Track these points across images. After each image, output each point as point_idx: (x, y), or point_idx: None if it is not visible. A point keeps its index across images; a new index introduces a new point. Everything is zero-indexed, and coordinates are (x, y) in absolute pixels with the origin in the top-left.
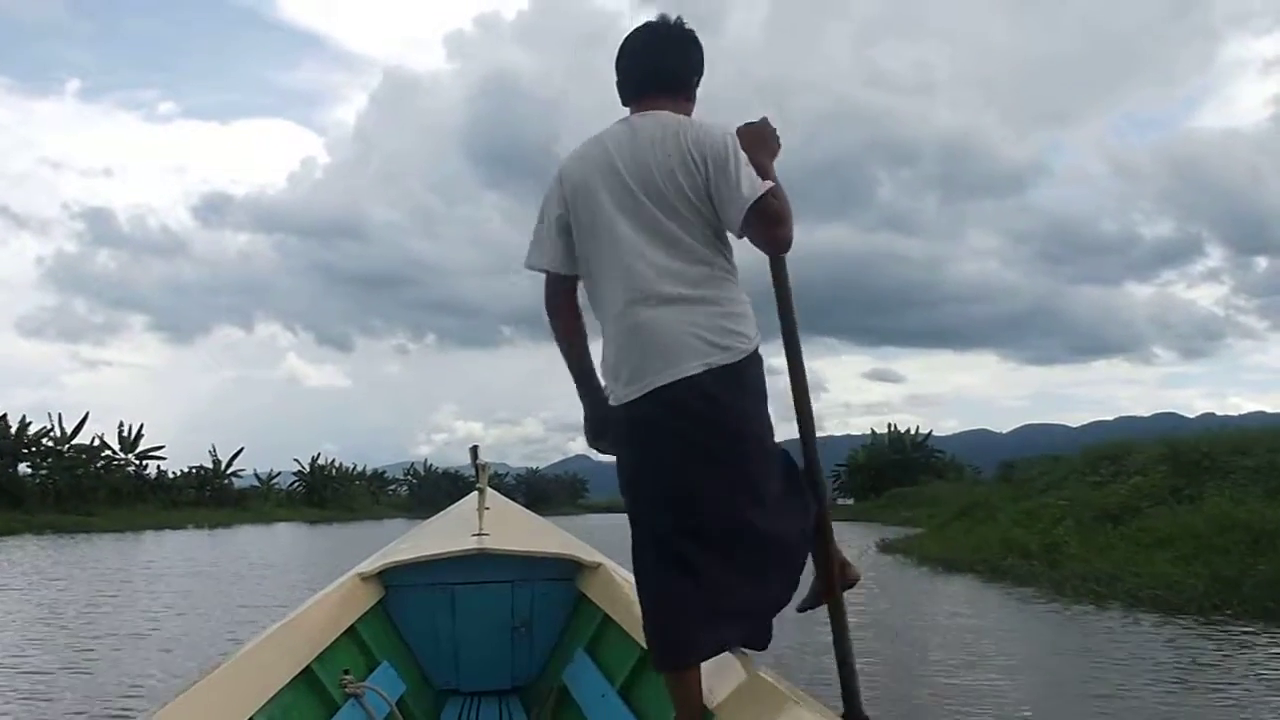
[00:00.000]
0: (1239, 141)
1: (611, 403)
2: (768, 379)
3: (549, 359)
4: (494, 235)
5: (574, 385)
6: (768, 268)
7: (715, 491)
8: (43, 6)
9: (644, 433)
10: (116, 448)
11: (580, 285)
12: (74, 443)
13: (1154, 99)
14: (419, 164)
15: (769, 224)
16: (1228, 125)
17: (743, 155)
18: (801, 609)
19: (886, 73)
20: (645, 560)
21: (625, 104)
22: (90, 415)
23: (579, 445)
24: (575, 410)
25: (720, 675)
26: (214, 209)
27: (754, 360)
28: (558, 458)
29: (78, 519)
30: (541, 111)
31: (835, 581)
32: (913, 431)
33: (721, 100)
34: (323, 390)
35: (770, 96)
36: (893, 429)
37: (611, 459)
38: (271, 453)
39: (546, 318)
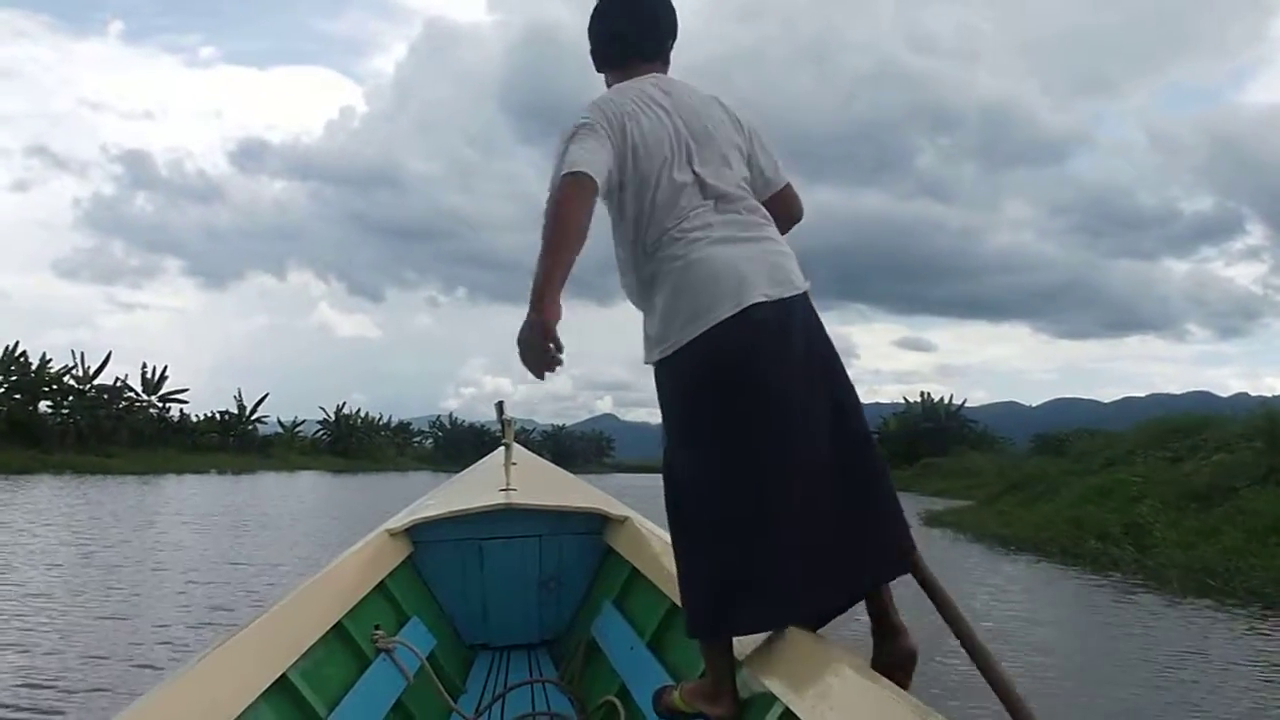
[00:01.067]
0: None
1: (660, 355)
2: None
3: (580, 317)
4: (528, 190)
5: (539, 279)
6: None
7: (791, 430)
8: None
9: (710, 369)
10: (139, 389)
11: (621, 244)
12: (96, 383)
13: (1202, 71)
14: (457, 116)
15: (794, 206)
16: (1275, 101)
17: None
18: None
19: (930, 35)
20: (688, 528)
21: (603, 69)
22: (115, 356)
23: (606, 404)
24: (605, 367)
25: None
26: (251, 155)
27: (808, 300)
28: (585, 415)
29: (96, 459)
30: (579, 66)
31: (884, 662)
32: (946, 400)
33: (765, 56)
34: (353, 340)
35: (814, 54)
36: (926, 397)
37: (639, 419)
38: (299, 400)
39: (557, 220)
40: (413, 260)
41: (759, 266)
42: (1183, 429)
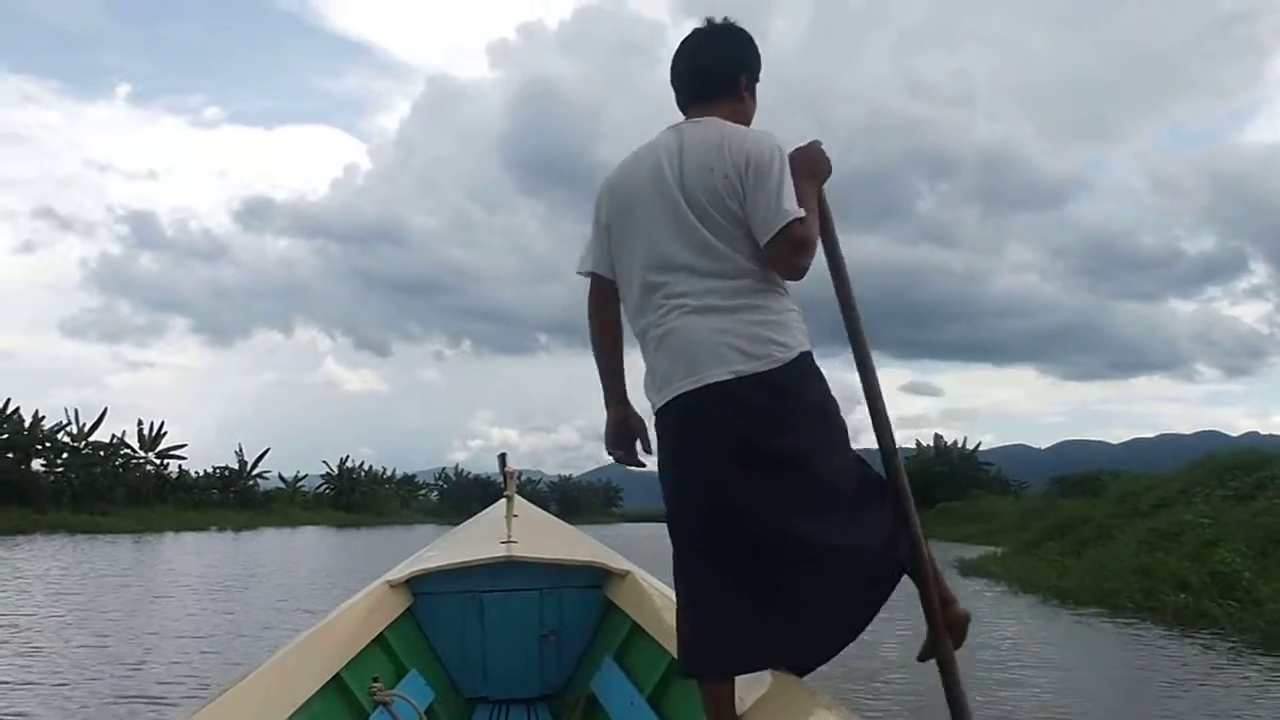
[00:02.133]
0: None
1: (653, 409)
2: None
3: (584, 367)
4: (531, 243)
5: (603, 392)
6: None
7: (750, 501)
8: (82, 14)
9: (673, 438)
10: (136, 446)
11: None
12: (91, 439)
13: (1200, 113)
14: (459, 172)
15: (790, 251)
16: (1274, 140)
17: (787, 173)
18: (920, 659)
19: (926, 83)
20: (684, 568)
21: (681, 112)
22: (123, 414)
23: None
24: (647, 430)
25: (752, 683)
26: (256, 214)
27: (798, 368)
28: (592, 465)
29: (90, 518)
30: (580, 121)
31: (939, 626)
32: (960, 444)
33: (760, 109)
34: (360, 395)
35: (809, 106)
36: (940, 441)
37: (640, 469)
38: (308, 454)
39: (587, 321)
40: (417, 314)
41: (729, 340)
42: (1241, 465)
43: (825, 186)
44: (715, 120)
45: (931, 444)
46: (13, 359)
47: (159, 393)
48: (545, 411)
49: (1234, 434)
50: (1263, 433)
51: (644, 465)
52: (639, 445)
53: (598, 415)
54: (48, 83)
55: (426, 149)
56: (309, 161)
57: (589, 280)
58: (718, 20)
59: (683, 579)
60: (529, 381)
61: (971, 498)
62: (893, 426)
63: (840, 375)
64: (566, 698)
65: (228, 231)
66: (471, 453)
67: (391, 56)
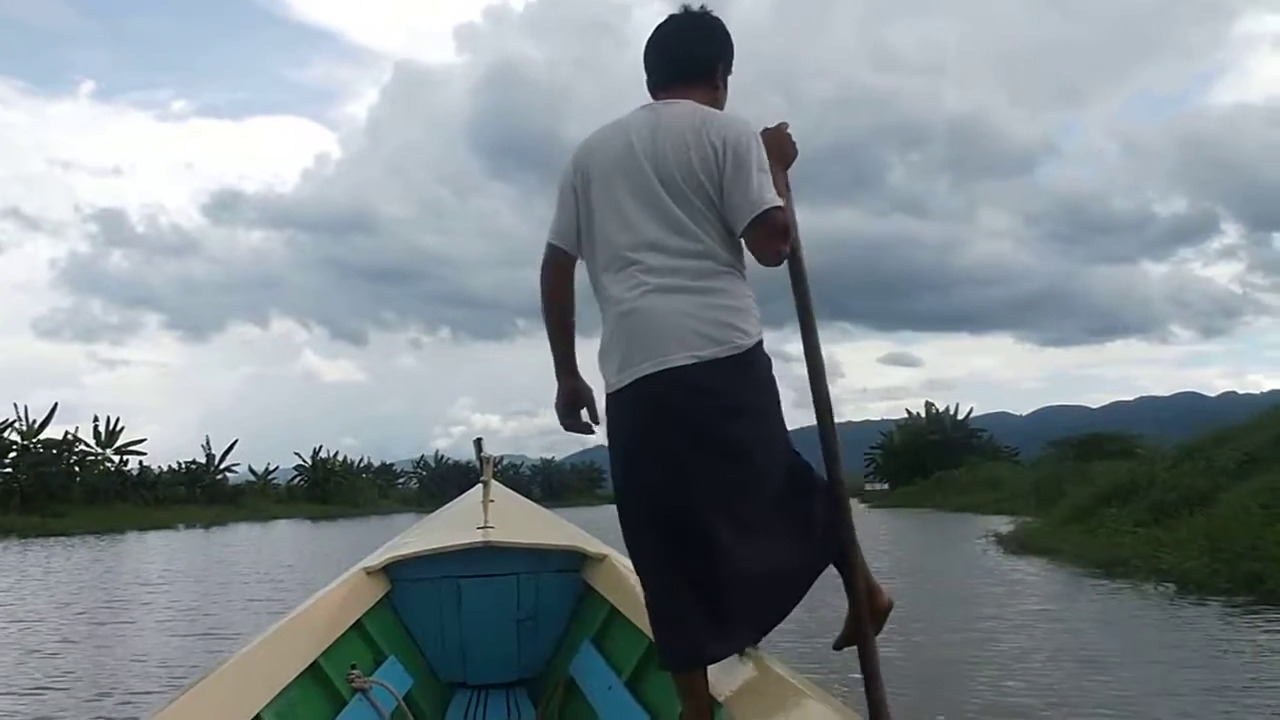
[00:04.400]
0: (1252, 117)
1: (607, 391)
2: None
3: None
4: (504, 228)
5: (555, 364)
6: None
7: (703, 485)
8: (47, 10)
9: (629, 421)
10: (91, 443)
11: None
12: (42, 437)
13: (1168, 77)
14: (429, 157)
15: (771, 237)
16: (1241, 100)
17: (764, 158)
18: (836, 647)
19: (895, 53)
20: (643, 559)
21: (652, 96)
22: (100, 413)
23: (598, 436)
24: (595, 399)
25: (728, 667)
26: (225, 207)
27: (754, 355)
28: (576, 449)
29: (40, 521)
30: (548, 102)
31: (864, 614)
32: (951, 410)
33: (731, 87)
34: (339, 385)
35: (779, 82)
36: (931, 408)
37: (591, 439)
38: (284, 448)
39: (541, 291)
40: (393, 302)
41: (691, 322)
42: None
43: (797, 159)
44: (691, 103)
45: (922, 412)
46: None
47: (135, 390)
48: (526, 396)
49: (1212, 394)
50: (1240, 392)
51: (593, 433)
52: (586, 414)
53: None
54: (12, 81)
55: (396, 136)
56: (279, 152)
57: (546, 250)
58: (695, 8)
59: (639, 566)
60: (509, 367)
61: (969, 465)
62: (876, 398)
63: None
64: (545, 682)
65: (198, 225)
66: (454, 440)
67: (357, 43)
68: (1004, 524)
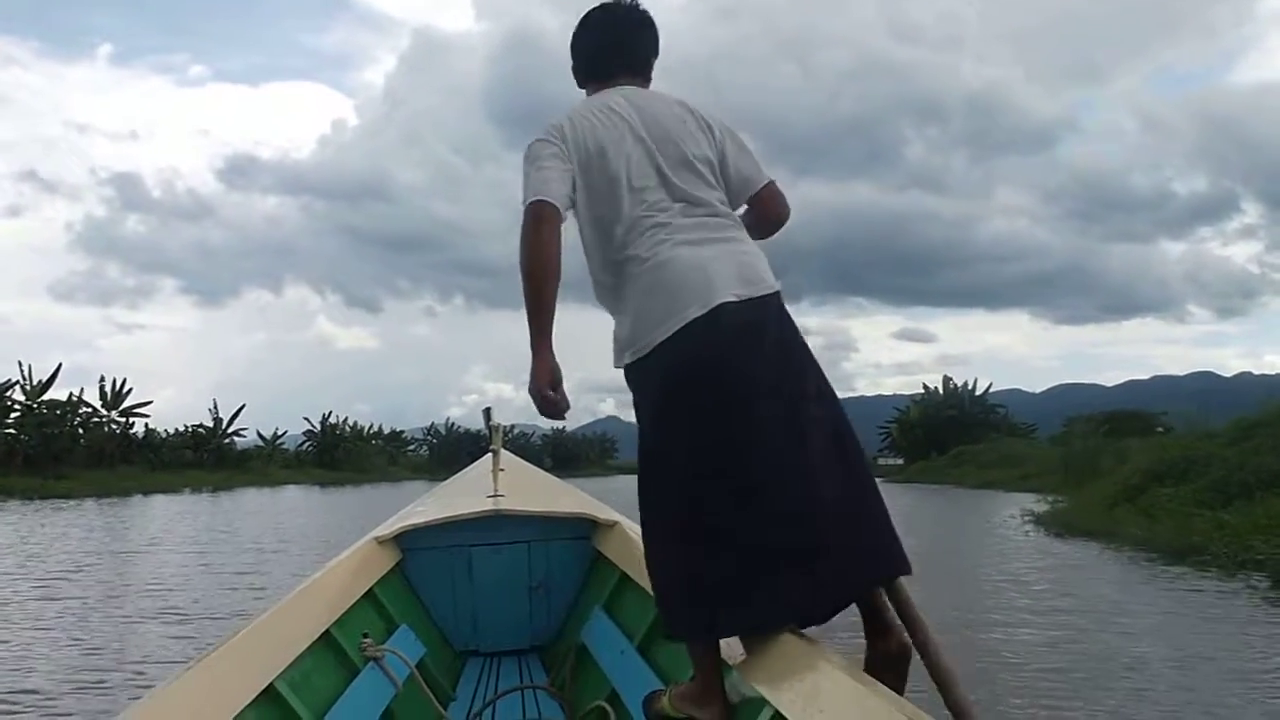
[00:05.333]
0: (1275, 95)
1: (631, 359)
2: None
3: (576, 321)
4: (517, 196)
5: (531, 332)
6: None
7: (769, 427)
8: None
9: (676, 371)
10: (97, 404)
11: (590, 255)
12: (46, 397)
13: (1190, 54)
14: (446, 125)
15: (778, 204)
16: (1264, 79)
17: None
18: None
19: (914, 25)
20: (666, 529)
21: (585, 83)
22: (116, 376)
23: (609, 406)
24: (606, 371)
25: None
26: (241, 172)
27: (781, 300)
28: (588, 419)
29: (42, 482)
30: (564, 70)
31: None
32: (969, 386)
33: (747, 56)
34: (353, 352)
35: (796, 51)
36: (949, 382)
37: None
38: (296, 414)
39: (530, 250)
40: (407, 270)
41: (727, 266)
42: None
43: (813, 132)
44: (650, 89)
45: (939, 387)
46: (5, 323)
47: (150, 354)
48: None
49: (1227, 375)
50: (1256, 373)
51: (564, 418)
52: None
53: (593, 368)
54: (29, 43)
55: (413, 103)
56: (296, 119)
57: (532, 208)
58: (627, 1)
59: (661, 538)
60: (522, 336)
61: (989, 441)
62: (889, 374)
63: (831, 322)
64: (557, 649)
65: (214, 191)
66: (467, 408)
67: (377, 9)
68: (1034, 502)
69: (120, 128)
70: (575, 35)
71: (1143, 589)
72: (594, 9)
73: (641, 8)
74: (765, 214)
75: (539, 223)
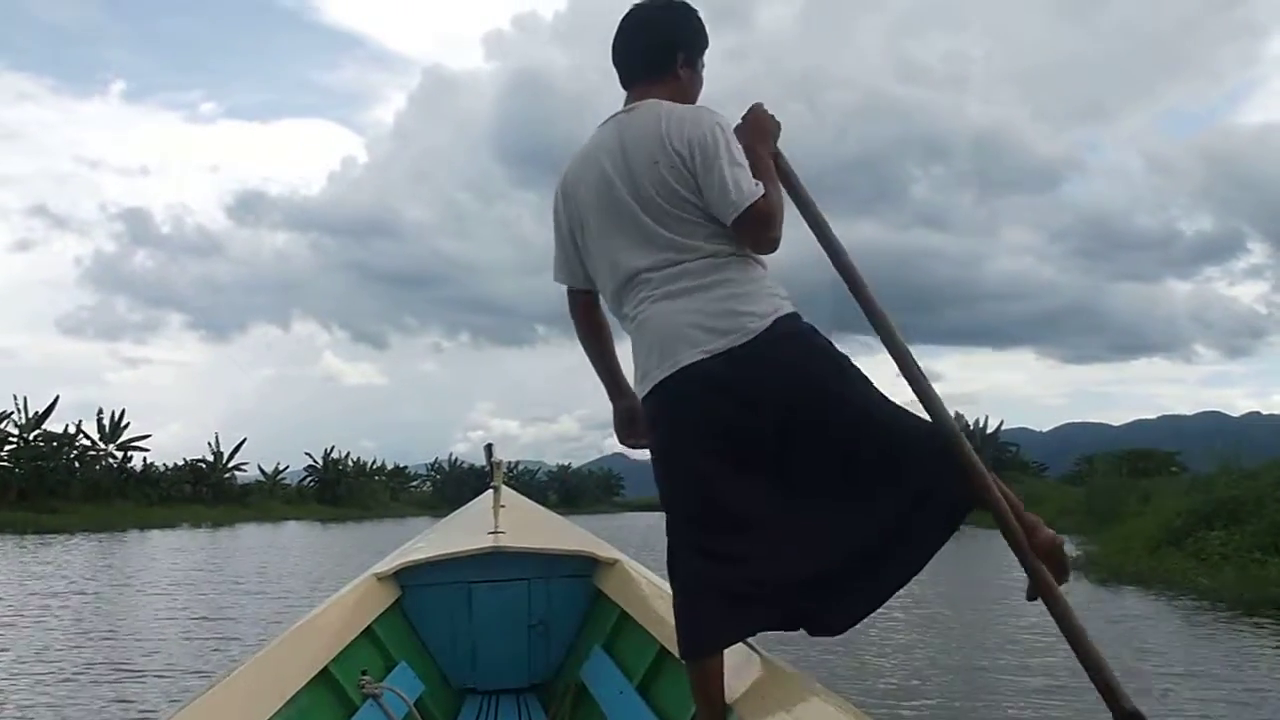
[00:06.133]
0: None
1: (640, 395)
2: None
3: (583, 357)
4: (526, 234)
5: (605, 389)
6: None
7: (731, 479)
8: (80, 10)
9: (657, 425)
10: (95, 437)
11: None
12: (41, 429)
13: (1196, 95)
14: (454, 163)
15: (757, 228)
16: (1270, 120)
17: (735, 151)
18: (1030, 599)
19: (919, 66)
20: (676, 552)
21: (624, 87)
22: (124, 411)
23: (615, 443)
24: (610, 408)
25: (740, 670)
26: (249, 209)
27: (776, 333)
28: (594, 455)
29: (34, 516)
30: (573, 109)
31: (1029, 556)
32: (981, 424)
33: (752, 95)
34: (359, 388)
35: (802, 90)
36: (960, 419)
37: (644, 455)
38: (301, 449)
39: (575, 330)
40: (414, 307)
41: (699, 319)
42: None
43: (820, 170)
44: (653, 103)
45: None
46: (13, 357)
47: (157, 389)
48: (545, 402)
49: (1235, 414)
50: (1264, 412)
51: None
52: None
53: (598, 405)
54: (43, 80)
55: (422, 141)
56: (306, 155)
57: (567, 296)
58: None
59: (673, 560)
60: (528, 373)
61: (1005, 479)
62: None
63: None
64: (556, 687)
65: (223, 227)
66: (472, 444)
67: (387, 48)
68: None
69: (131, 163)
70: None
71: (1221, 643)
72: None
73: (644, 5)
74: (744, 242)
75: (569, 308)
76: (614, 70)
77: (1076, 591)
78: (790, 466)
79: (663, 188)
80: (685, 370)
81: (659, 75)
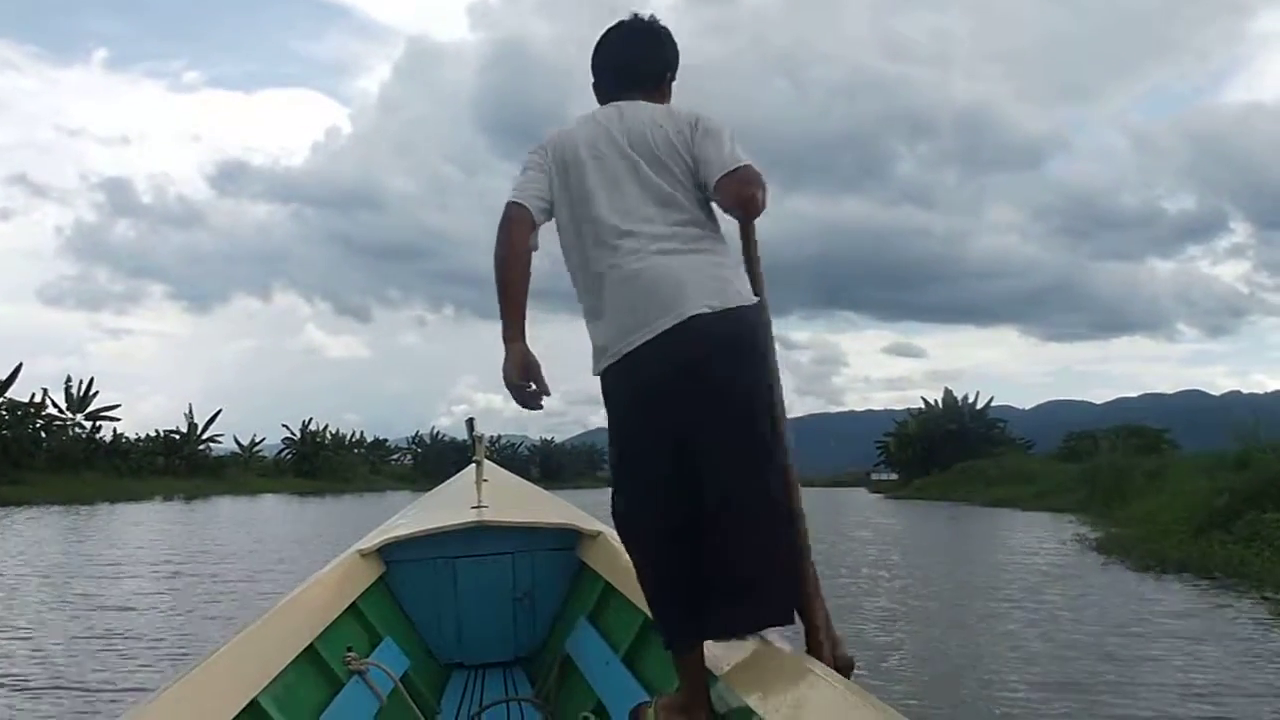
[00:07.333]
0: (1263, 115)
1: (600, 369)
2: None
3: (569, 332)
4: None
5: (506, 326)
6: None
7: (724, 442)
8: None
9: (646, 380)
10: (63, 405)
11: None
12: (5, 397)
13: (1180, 75)
14: (438, 134)
15: (747, 183)
16: (1253, 99)
17: (736, 138)
18: None
19: (905, 43)
20: (645, 539)
21: (601, 102)
22: (104, 382)
23: (599, 418)
24: (595, 383)
25: (726, 643)
26: (232, 179)
27: (759, 312)
28: (578, 430)
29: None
30: (555, 80)
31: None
32: (970, 400)
33: (738, 70)
34: (342, 361)
35: (787, 66)
36: (950, 396)
37: (540, 413)
38: (281, 422)
39: (497, 247)
40: (397, 279)
41: (699, 277)
42: None
43: (805, 146)
44: (635, 101)
45: (940, 400)
46: None
47: (138, 359)
48: None
49: (1216, 393)
50: (1244, 391)
51: (542, 408)
52: (537, 386)
53: (582, 380)
54: (25, 47)
55: (406, 112)
56: (289, 125)
57: (505, 209)
58: (645, 17)
59: (642, 547)
60: None
61: (993, 456)
62: (879, 388)
63: (820, 337)
64: (542, 660)
65: (205, 197)
66: (455, 418)
67: (372, 18)
68: (1066, 522)
69: (113, 133)
70: (591, 56)
71: None
72: (607, 29)
73: (644, 21)
74: (730, 203)
75: (507, 221)
76: (590, 68)
77: (1117, 581)
78: (752, 438)
79: (666, 146)
80: (693, 320)
81: (652, 88)
